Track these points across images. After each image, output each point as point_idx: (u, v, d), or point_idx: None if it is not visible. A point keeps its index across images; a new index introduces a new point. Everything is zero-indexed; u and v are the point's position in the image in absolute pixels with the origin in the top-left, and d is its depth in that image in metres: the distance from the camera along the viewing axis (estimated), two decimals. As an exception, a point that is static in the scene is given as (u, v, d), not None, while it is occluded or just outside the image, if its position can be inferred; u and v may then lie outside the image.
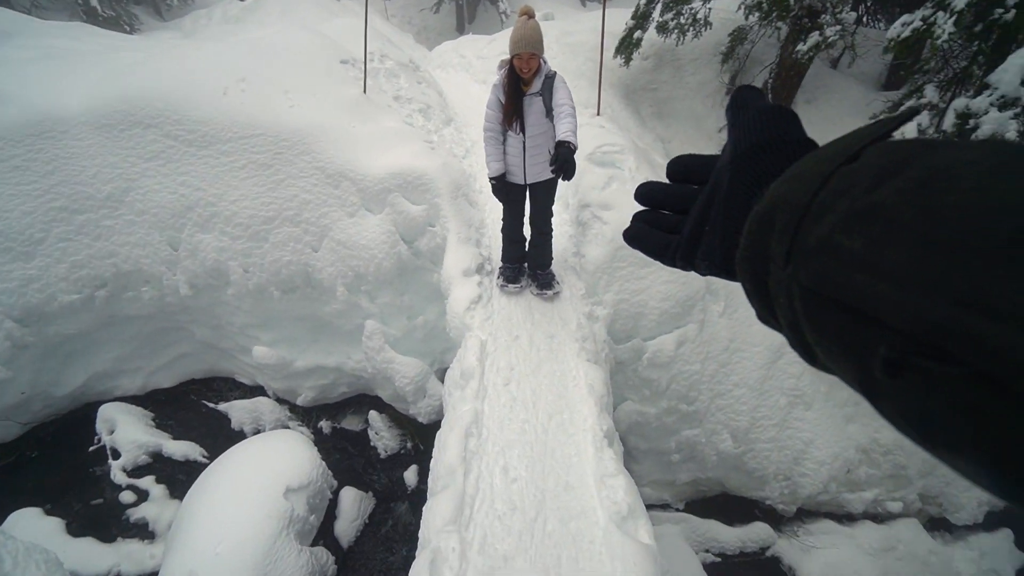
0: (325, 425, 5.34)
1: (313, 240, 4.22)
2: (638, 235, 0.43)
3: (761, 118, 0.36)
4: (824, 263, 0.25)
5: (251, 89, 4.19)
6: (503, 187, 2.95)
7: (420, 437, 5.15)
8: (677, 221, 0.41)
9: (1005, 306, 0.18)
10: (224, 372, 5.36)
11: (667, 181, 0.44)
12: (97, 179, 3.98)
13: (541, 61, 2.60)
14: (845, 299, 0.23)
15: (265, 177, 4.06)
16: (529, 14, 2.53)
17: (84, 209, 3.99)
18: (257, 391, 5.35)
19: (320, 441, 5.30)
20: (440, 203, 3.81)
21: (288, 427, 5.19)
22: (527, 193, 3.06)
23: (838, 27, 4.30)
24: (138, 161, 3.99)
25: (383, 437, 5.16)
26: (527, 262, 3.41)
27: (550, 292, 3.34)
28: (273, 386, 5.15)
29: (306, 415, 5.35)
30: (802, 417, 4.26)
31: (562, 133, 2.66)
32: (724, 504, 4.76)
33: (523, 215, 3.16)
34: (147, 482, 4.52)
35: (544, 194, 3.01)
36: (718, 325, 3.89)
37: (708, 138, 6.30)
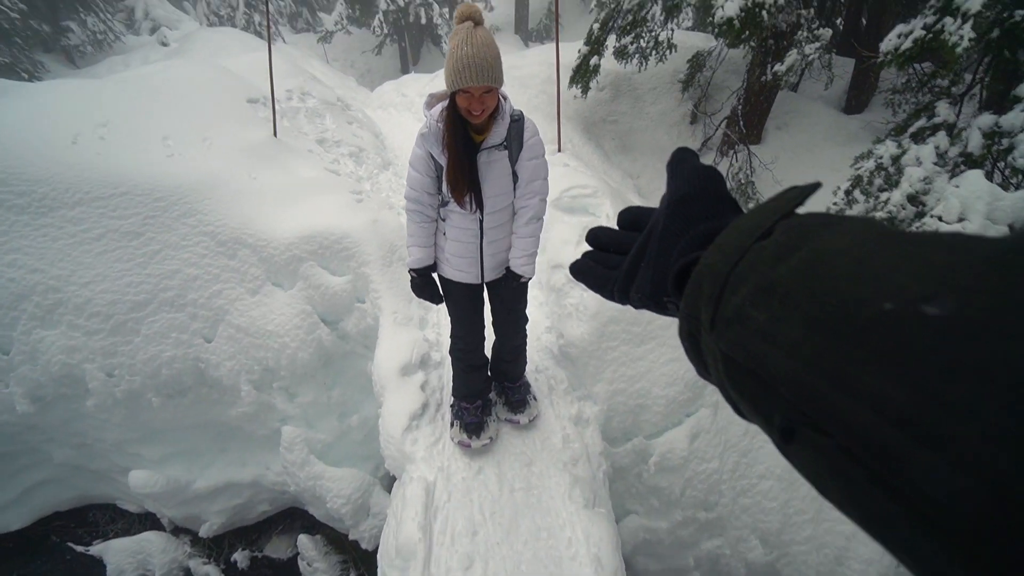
0: (241, 557, 4.13)
1: (204, 327, 3.18)
2: (583, 269, 0.48)
3: (693, 173, 0.41)
4: (738, 332, 0.27)
5: (113, 136, 3.21)
6: (427, 285, 1.96)
7: (366, 565, 4.02)
8: (619, 261, 0.45)
9: (857, 385, 0.20)
10: (101, 498, 4.09)
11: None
12: None
13: (501, 96, 1.69)
14: (752, 367, 0.26)
15: (132, 250, 3.03)
16: (474, 18, 1.55)
17: None
18: (147, 521, 4.09)
19: (234, 580, 4.07)
20: (368, 272, 2.89)
21: (188, 568, 3.95)
22: (484, 292, 2.13)
23: (817, 44, 3.84)
24: (-56, 238, 2.89)
25: (317, 569, 3.99)
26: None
27: (524, 418, 2.35)
28: (168, 514, 3.93)
29: (214, 546, 4.12)
30: (839, 504, 3.45)
31: (513, 257, 1.93)
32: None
33: (482, 327, 2.16)
34: None
35: (513, 294, 2.05)
36: (734, 404, 3.08)
37: (680, 171, 5.74)
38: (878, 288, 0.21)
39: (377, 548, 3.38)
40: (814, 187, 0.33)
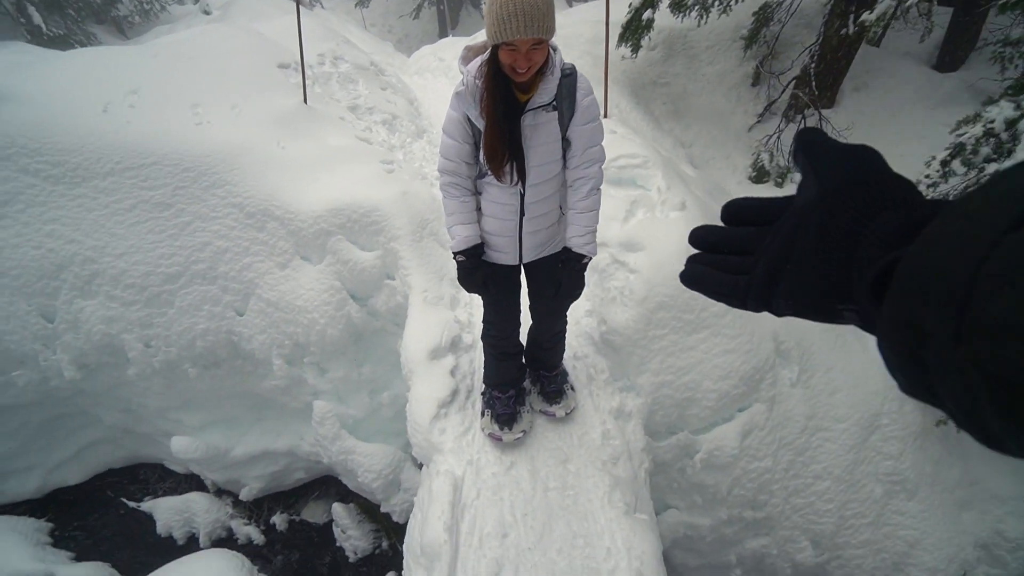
0: (279, 520, 4.25)
1: (236, 300, 3.14)
2: (697, 276, 0.41)
3: (846, 155, 0.35)
4: (1017, 348, 0.22)
5: (144, 104, 3.13)
6: (478, 270, 1.70)
7: (398, 535, 4.05)
8: (740, 263, 0.39)
9: None
10: (150, 459, 4.27)
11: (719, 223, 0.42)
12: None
13: (551, 48, 1.43)
14: None
15: (164, 221, 2.99)
16: None
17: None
18: (193, 481, 4.25)
19: (274, 541, 4.21)
20: (398, 248, 2.74)
21: (230, 528, 4.10)
22: (522, 275, 1.88)
23: (917, -13, 3.28)
24: (-13, 207, 2.93)
25: (351, 536, 4.07)
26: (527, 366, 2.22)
27: (561, 410, 2.14)
28: (211, 477, 4.06)
29: (254, 508, 4.26)
30: (903, 509, 3.16)
31: (573, 235, 1.66)
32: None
33: (517, 312, 1.94)
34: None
35: (571, 279, 1.75)
36: (792, 399, 2.80)
37: (736, 139, 5.23)
38: None
39: (408, 521, 3.38)
40: None
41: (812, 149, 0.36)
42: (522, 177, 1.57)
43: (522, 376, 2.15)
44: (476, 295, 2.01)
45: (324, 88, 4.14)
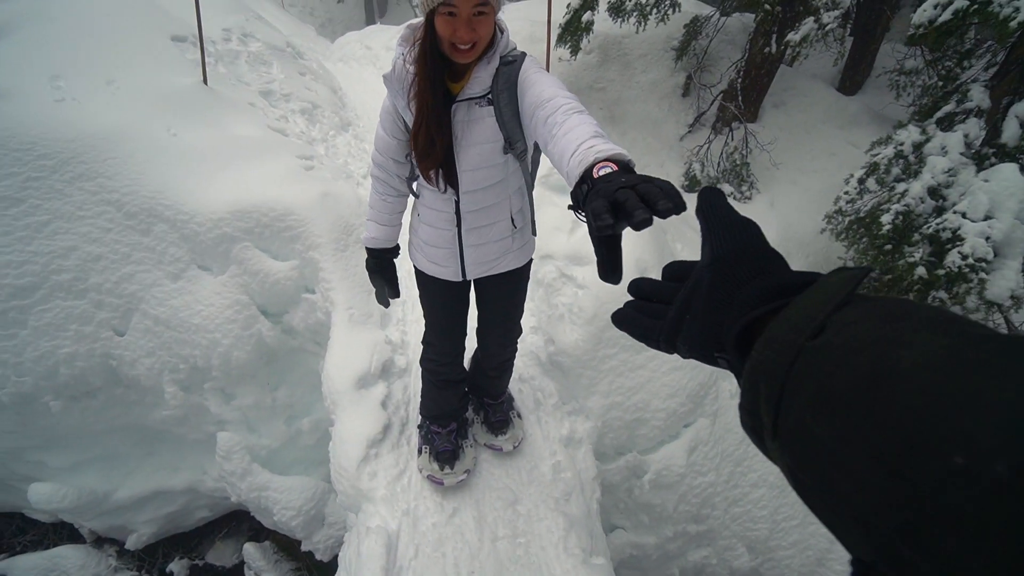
0: (178, 567, 3.68)
1: (114, 318, 2.61)
2: (626, 319, 0.47)
3: (736, 227, 0.41)
4: (803, 450, 0.26)
5: (-19, 72, 2.49)
6: (377, 274, 1.52)
7: (322, 573, 3.65)
8: (663, 310, 0.45)
9: (935, 553, 0.19)
10: (4, 507, 3.50)
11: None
12: None
13: (498, 28, 1.19)
14: (824, 492, 0.25)
15: (10, 220, 2.39)
16: None
17: None
18: (63, 531, 3.55)
19: (170, 593, 3.63)
20: (318, 258, 2.38)
21: (113, 588, 3.46)
22: (469, 291, 1.64)
23: (836, 12, 3.46)
24: None
25: (266, 580, 3.59)
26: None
27: (508, 444, 1.91)
28: (88, 525, 3.40)
29: (146, 556, 3.65)
30: (826, 508, 3.32)
31: (582, 151, 0.81)
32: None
33: (462, 335, 1.69)
34: None
35: (507, 295, 1.60)
36: (732, 410, 2.81)
37: (669, 148, 5.34)
38: (947, 434, 0.20)
39: (335, 559, 3.01)
40: (865, 272, 0.33)
41: (710, 215, 0.42)
42: (451, 182, 1.33)
43: (464, 406, 1.91)
44: (412, 306, 1.74)
45: (230, 68, 3.61)
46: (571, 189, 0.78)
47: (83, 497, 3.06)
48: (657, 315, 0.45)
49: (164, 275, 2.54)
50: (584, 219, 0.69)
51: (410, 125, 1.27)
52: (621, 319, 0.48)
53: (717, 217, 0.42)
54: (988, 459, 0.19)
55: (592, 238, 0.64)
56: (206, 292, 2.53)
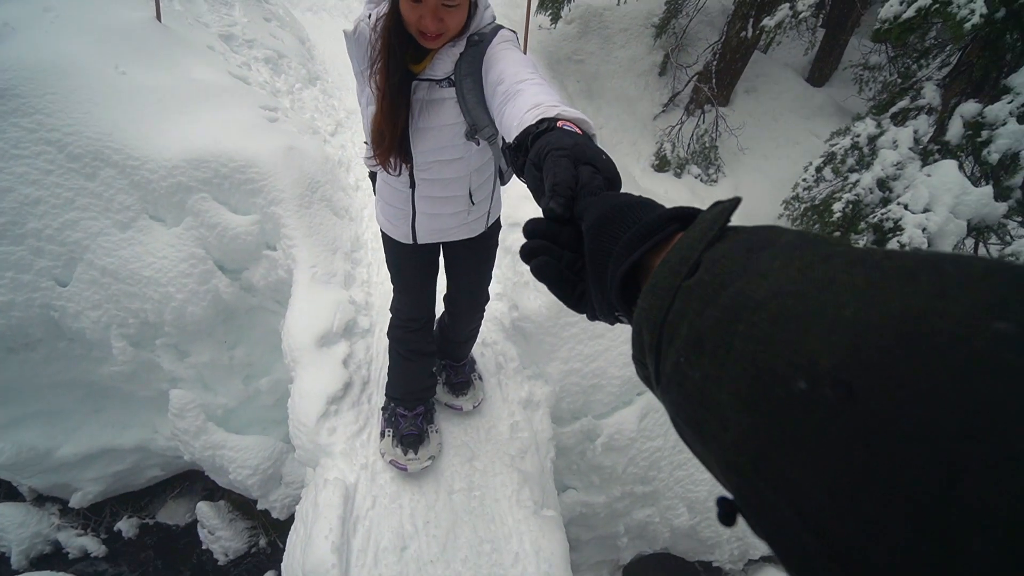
0: (127, 526, 3.62)
1: (55, 267, 2.46)
2: (544, 271, 0.45)
3: (603, 198, 0.43)
4: (678, 394, 0.26)
5: None
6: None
7: (278, 531, 3.68)
8: (574, 260, 0.44)
9: (780, 478, 0.19)
10: (-67, 464, 3.32)
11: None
12: None
13: (472, 6, 1.09)
14: (697, 434, 0.25)
15: (-67, 154, 2.19)
16: None
17: None
18: (1, 489, 3.41)
19: (118, 552, 3.57)
20: (280, 213, 2.31)
21: (56, 541, 3.39)
22: (438, 256, 1.60)
23: (811, 0, 3.54)
24: None
25: (221, 537, 3.59)
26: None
27: (468, 403, 1.96)
28: (27, 483, 3.29)
29: (91, 515, 3.56)
30: (761, 473, 3.60)
31: (538, 103, 0.72)
32: (663, 560, 4.07)
33: (431, 300, 1.67)
34: None
35: (475, 264, 1.60)
36: (683, 381, 2.97)
37: (643, 126, 5.38)
38: (792, 358, 0.20)
39: (291, 517, 3.04)
40: (735, 203, 0.33)
41: (581, 202, 0.44)
42: (408, 164, 1.28)
43: (432, 388, 1.90)
44: (377, 268, 1.70)
45: (187, 7, 3.36)
46: (518, 132, 0.66)
47: (22, 453, 2.95)
48: (571, 265, 0.44)
49: (112, 224, 2.41)
50: (523, 169, 0.57)
51: (378, 97, 1.17)
52: (539, 270, 0.45)
53: (589, 199, 0.43)
54: (827, 381, 0.18)
55: (528, 177, 0.54)
56: (158, 244, 2.42)
